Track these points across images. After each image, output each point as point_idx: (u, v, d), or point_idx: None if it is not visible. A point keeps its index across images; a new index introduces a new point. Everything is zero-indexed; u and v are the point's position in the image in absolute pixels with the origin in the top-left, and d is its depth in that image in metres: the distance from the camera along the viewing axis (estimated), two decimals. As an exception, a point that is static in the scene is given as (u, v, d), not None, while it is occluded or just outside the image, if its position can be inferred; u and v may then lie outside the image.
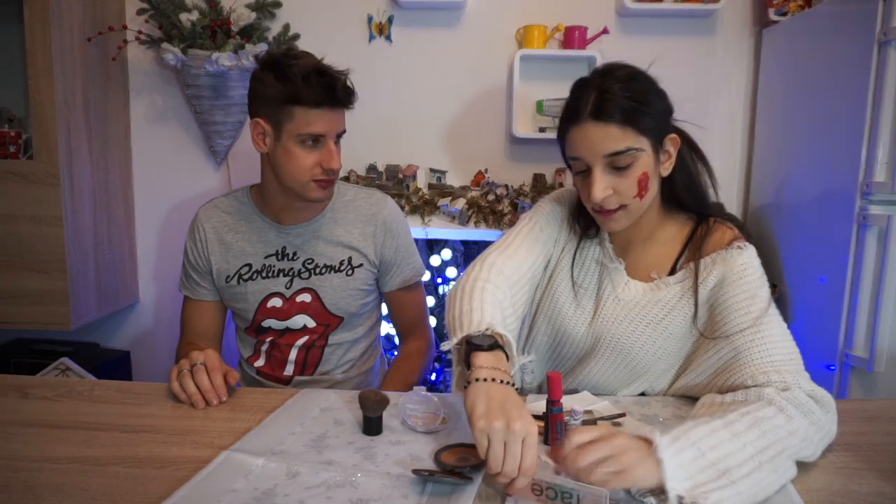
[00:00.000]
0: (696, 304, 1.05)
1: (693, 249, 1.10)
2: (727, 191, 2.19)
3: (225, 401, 1.06)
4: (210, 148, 2.18)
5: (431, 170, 2.16)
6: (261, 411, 1.03)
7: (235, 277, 1.37)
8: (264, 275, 1.37)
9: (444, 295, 2.39)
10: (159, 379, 1.15)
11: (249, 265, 1.37)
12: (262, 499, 0.76)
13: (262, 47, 1.99)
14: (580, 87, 1.03)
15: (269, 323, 1.38)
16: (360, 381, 1.47)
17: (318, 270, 1.37)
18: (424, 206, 2.11)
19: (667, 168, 1.05)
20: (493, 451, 0.75)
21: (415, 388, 0.99)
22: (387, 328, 1.61)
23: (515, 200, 2.08)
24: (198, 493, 0.77)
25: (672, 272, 1.10)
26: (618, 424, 0.97)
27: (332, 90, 1.22)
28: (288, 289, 1.37)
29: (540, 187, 2.11)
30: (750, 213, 2.16)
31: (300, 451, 0.88)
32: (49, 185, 1.84)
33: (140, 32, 2.02)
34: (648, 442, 0.75)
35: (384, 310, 1.54)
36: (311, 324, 1.38)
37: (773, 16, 2.01)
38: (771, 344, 0.96)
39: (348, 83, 1.25)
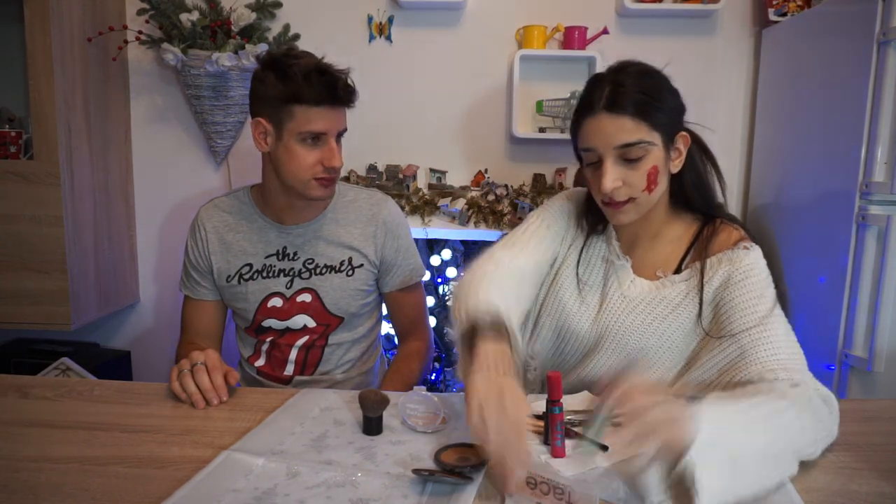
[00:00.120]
0: (700, 303, 1.05)
1: (699, 249, 1.10)
2: (727, 191, 2.19)
3: (225, 401, 1.06)
4: (210, 148, 2.18)
5: (431, 170, 2.16)
6: (261, 411, 1.03)
7: (236, 277, 1.37)
8: (265, 274, 1.37)
9: (444, 295, 2.39)
10: (159, 379, 1.15)
11: (250, 265, 1.37)
12: (262, 498, 0.76)
13: (262, 47, 1.99)
14: (595, 81, 1.04)
15: (270, 323, 1.38)
16: (360, 382, 1.47)
17: (318, 270, 1.37)
18: (424, 207, 2.11)
19: (676, 165, 1.06)
20: (489, 442, 0.76)
21: (415, 388, 0.99)
22: (387, 328, 1.61)
23: (515, 200, 2.08)
24: (198, 493, 0.77)
25: (678, 271, 1.11)
26: (618, 424, 0.97)
27: (333, 88, 1.22)
28: (288, 289, 1.37)
29: (540, 187, 2.11)
30: (750, 213, 2.16)
31: (300, 451, 0.88)
32: (49, 185, 1.84)
33: (140, 32, 2.02)
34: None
35: (384, 310, 1.54)
36: (312, 324, 1.38)
37: (772, 16, 2.01)
38: (777, 343, 0.95)
39: (349, 82, 1.26)
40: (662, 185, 1.05)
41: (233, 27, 2.01)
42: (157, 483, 0.80)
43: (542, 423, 0.93)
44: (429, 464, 0.85)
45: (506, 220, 2.09)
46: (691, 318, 1.06)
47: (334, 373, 1.43)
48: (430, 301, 2.36)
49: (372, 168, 2.15)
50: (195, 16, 1.97)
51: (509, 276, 1.08)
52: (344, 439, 0.93)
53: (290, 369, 1.42)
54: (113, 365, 2.20)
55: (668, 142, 1.03)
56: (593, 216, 1.17)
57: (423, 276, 1.49)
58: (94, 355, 2.19)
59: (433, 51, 2.14)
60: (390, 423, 0.97)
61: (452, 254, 2.35)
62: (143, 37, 2.02)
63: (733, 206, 2.18)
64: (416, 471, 0.79)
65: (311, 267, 1.37)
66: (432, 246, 2.35)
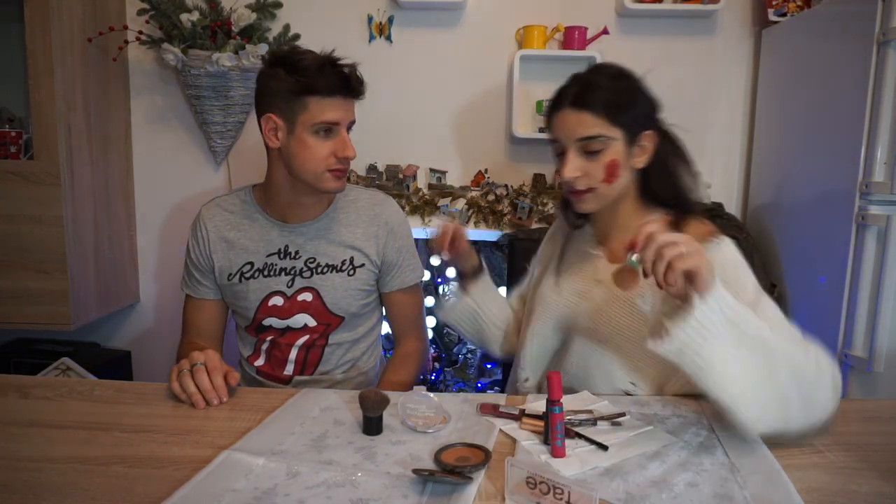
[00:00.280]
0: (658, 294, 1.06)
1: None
2: (727, 191, 2.19)
3: (225, 401, 1.06)
4: (210, 148, 2.18)
5: (431, 170, 2.16)
6: (261, 411, 1.03)
7: (237, 275, 1.37)
8: (266, 273, 1.37)
9: (444, 295, 2.38)
10: (159, 379, 1.15)
11: (251, 263, 1.37)
12: (262, 498, 0.76)
13: (262, 48, 1.99)
14: (570, 79, 1.14)
15: (270, 322, 1.38)
16: (360, 382, 1.47)
17: (319, 270, 1.37)
18: (424, 207, 2.11)
19: (640, 161, 1.13)
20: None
21: (415, 387, 0.99)
22: (387, 328, 1.62)
23: (515, 201, 2.08)
24: (198, 493, 0.77)
25: None
26: (617, 424, 0.97)
27: (347, 79, 1.25)
28: (289, 287, 1.37)
29: (540, 187, 2.11)
30: (750, 213, 2.16)
31: (300, 451, 0.88)
32: (49, 185, 1.84)
33: (140, 33, 2.02)
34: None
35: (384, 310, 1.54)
36: (312, 323, 1.38)
37: (772, 16, 2.01)
38: (775, 325, 0.92)
39: (358, 74, 1.28)
40: (623, 178, 1.12)
41: (233, 27, 2.01)
42: (157, 483, 0.80)
43: (542, 423, 0.93)
44: (429, 464, 0.85)
45: (506, 220, 2.09)
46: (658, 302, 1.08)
47: (334, 373, 1.43)
48: (430, 301, 2.36)
49: (372, 168, 2.15)
50: (195, 16, 1.97)
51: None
52: (344, 439, 0.93)
53: (289, 369, 1.42)
54: (113, 365, 2.20)
55: (631, 138, 1.10)
56: (571, 212, 1.25)
57: (422, 277, 1.49)
58: (94, 355, 2.19)
59: (433, 51, 2.14)
60: (390, 423, 0.97)
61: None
62: (143, 37, 2.02)
63: (733, 207, 2.18)
64: (416, 471, 0.79)
65: (312, 266, 1.37)
66: (432, 246, 2.34)
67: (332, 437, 0.93)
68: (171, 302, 2.28)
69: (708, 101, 2.14)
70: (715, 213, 2.04)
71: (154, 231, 2.28)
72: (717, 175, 2.18)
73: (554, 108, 1.13)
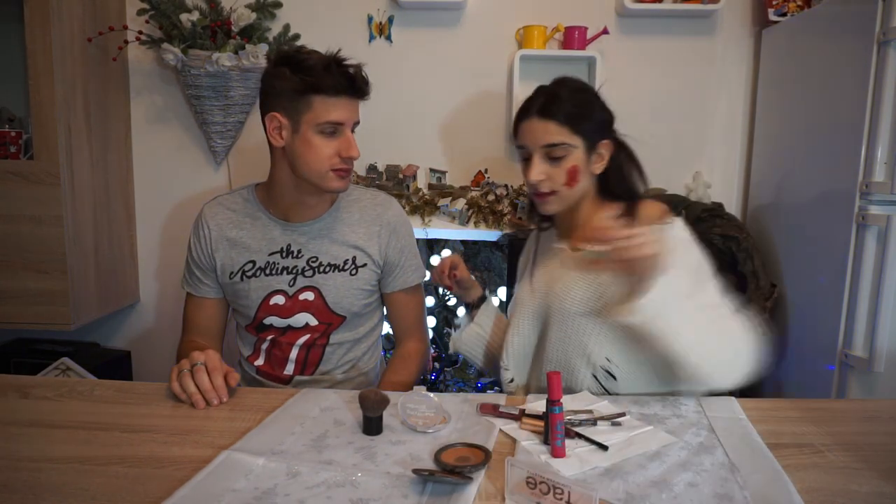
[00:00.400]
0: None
1: (625, 220, 1.22)
2: (727, 191, 2.19)
3: (225, 401, 1.06)
4: (210, 148, 2.18)
5: (431, 170, 2.16)
6: (261, 411, 1.03)
7: (238, 274, 1.37)
8: (267, 272, 1.37)
9: (444, 294, 2.39)
10: (159, 379, 1.15)
11: (253, 262, 1.37)
12: (262, 498, 0.76)
13: (262, 48, 1.99)
14: (536, 91, 1.25)
15: (271, 320, 1.38)
16: (360, 382, 1.47)
17: (321, 269, 1.37)
18: (424, 207, 2.11)
19: (598, 167, 1.23)
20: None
21: (415, 387, 0.99)
22: (387, 328, 1.62)
23: (515, 201, 2.08)
24: (198, 493, 0.77)
25: None
26: (617, 424, 0.97)
27: (352, 79, 1.25)
28: (291, 286, 1.37)
29: (540, 187, 2.11)
30: (750, 213, 2.16)
31: (300, 451, 0.88)
32: (49, 185, 1.84)
33: (140, 33, 2.02)
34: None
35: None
36: (314, 322, 1.38)
37: (772, 16, 2.01)
38: (714, 297, 1.07)
39: (364, 74, 1.28)
40: (583, 182, 1.22)
41: (233, 27, 2.01)
42: (157, 483, 0.80)
43: (542, 423, 0.93)
44: (429, 464, 0.85)
45: (506, 220, 2.09)
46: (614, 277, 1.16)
47: (334, 372, 1.43)
48: (430, 301, 2.36)
49: (372, 168, 2.15)
50: (195, 16, 1.97)
51: None
52: (344, 439, 0.93)
53: (290, 368, 1.42)
54: (113, 365, 2.20)
55: (591, 147, 1.21)
56: (536, 215, 1.37)
57: (423, 277, 1.49)
58: (94, 355, 2.19)
59: (433, 51, 2.14)
60: (390, 423, 0.97)
61: (452, 254, 2.35)
62: (143, 37, 2.02)
63: (733, 206, 2.18)
64: (416, 471, 0.79)
65: (314, 265, 1.37)
66: (432, 246, 2.34)
67: (332, 437, 0.93)
68: (171, 302, 2.28)
69: (708, 101, 2.14)
70: (715, 213, 2.04)
71: (154, 231, 2.28)
72: (717, 175, 2.18)
73: (521, 117, 1.24)
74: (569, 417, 0.96)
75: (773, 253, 1.97)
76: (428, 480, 0.80)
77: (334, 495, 0.77)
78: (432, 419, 0.96)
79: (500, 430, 0.96)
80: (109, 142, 2.10)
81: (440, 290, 2.38)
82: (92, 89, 1.98)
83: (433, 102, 2.16)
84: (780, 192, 1.96)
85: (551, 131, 1.18)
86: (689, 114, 2.14)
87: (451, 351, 1.48)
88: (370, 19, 2.13)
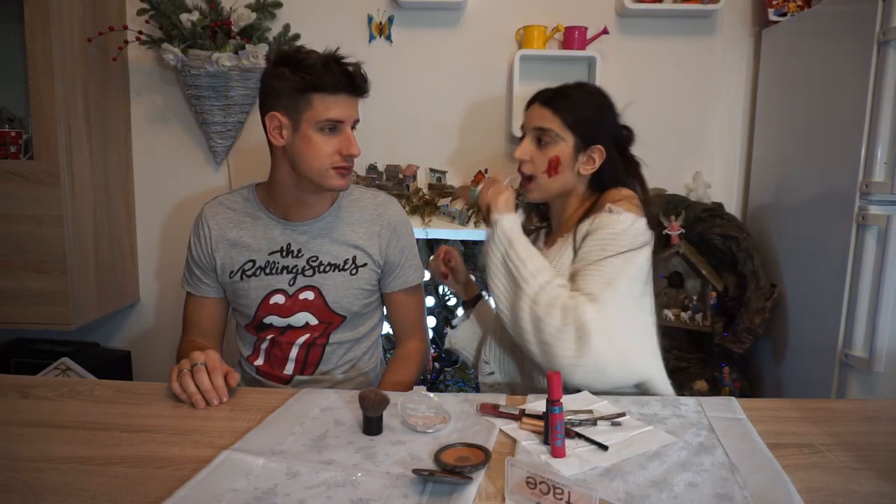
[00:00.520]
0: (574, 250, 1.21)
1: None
2: (727, 191, 2.19)
3: (225, 401, 1.06)
4: (210, 148, 2.18)
5: (431, 170, 2.16)
6: (261, 411, 1.03)
7: (239, 273, 1.37)
8: (267, 271, 1.37)
9: (444, 295, 2.39)
10: (159, 379, 1.15)
11: (253, 261, 1.37)
12: (262, 498, 0.76)
13: (262, 48, 1.99)
14: (557, 87, 1.30)
15: (271, 320, 1.38)
16: (360, 382, 1.47)
17: (322, 268, 1.37)
18: (424, 207, 2.11)
19: (586, 169, 1.26)
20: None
21: (415, 387, 0.99)
22: (387, 328, 1.62)
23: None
24: (198, 493, 0.77)
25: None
26: (617, 424, 0.97)
27: (351, 77, 1.25)
28: (291, 286, 1.37)
29: (540, 187, 2.11)
30: (750, 213, 2.16)
31: (300, 451, 0.88)
32: (49, 185, 1.84)
33: (140, 33, 2.02)
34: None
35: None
36: (314, 321, 1.38)
37: (772, 16, 2.01)
38: (589, 279, 1.11)
39: (363, 71, 1.28)
40: (564, 176, 1.26)
41: (233, 27, 2.01)
42: (157, 483, 0.80)
43: (542, 423, 0.93)
44: (429, 464, 0.85)
45: (506, 220, 2.09)
46: (567, 262, 1.21)
47: (334, 372, 1.43)
48: (430, 301, 2.36)
49: (372, 168, 2.15)
50: (195, 16, 1.97)
51: None
52: (344, 439, 0.93)
53: (290, 368, 1.41)
54: (113, 365, 2.20)
55: (581, 146, 1.24)
56: (533, 213, 1.46)
57: (423, 278, 1.49)
58: (94, 355, 2.19)
59: (433, 51, 2.14)
60: (390, 423, 0.97)
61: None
62: (143, 37, 2.02)
63: (733, 206, 2.18)
64: (416, 471, 0.79)
65: (314, 265, 1.37)
66: (432, 246, 2.34)
67: (332, 437, 0.93)
68: (171, 302, 2.29)
69: (708, 101, 2.14)
70: (715, 213, 2.04)
71: (154, 231, 2.28)
72: (717, 175, 2.18)
73: (530, 103, 1.31)
74: (569, 417, 0.96)
75: (773, 253, 1.97)
76: (428, 480, 0.80)
77: (334, 495, 0.77)
78: (432, 419, 0.96)
79: (500, 430, 0.96)
80: (109, 142, 2.10)
81: (440, 289, 2.38)
82: (92, 89, 1.98)
83: (433, 102, 2.16)
84: (780, 192, 1.96)
85: (546, 117, 1.25)
86: (689, 114, 2.14)
87: (445, 347, 1.49)
88: (370, 19, 2.13)
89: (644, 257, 1.14)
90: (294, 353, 1.41)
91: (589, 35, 2.04)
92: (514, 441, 0.93)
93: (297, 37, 2.09)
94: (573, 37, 2.03)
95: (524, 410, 1.00)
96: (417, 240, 1.60)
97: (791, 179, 1.89)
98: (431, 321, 2.34)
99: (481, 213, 1.24)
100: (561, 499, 0.72)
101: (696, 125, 2.15)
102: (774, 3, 2.01)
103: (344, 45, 1.32)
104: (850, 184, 1.55)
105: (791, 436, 0.94)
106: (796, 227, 1.85)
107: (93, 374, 2.02)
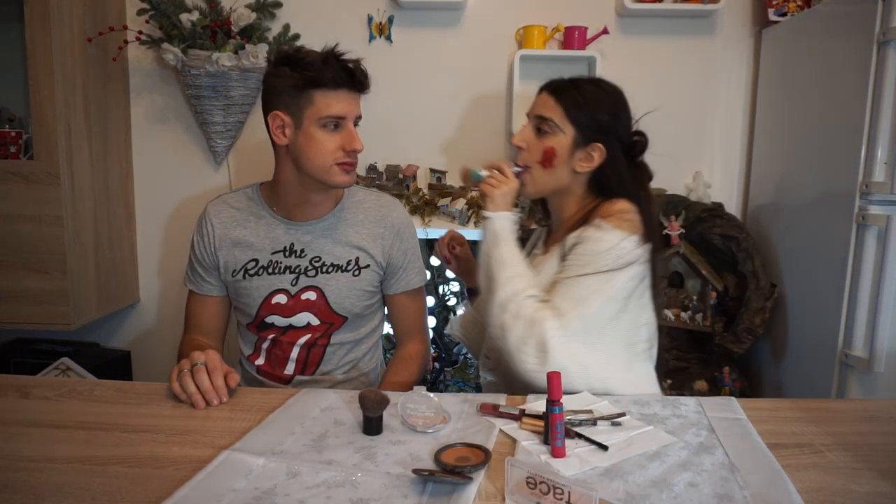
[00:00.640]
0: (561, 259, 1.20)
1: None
2: (727, 191, 2.19)
3: (225, 401, 1.06)
4: (210, 148, 2.18)
5: (431, 170, 2.16)
6: (261, 411, 1.03)
7: (241, 272, 1.37)
8: (270, 271, 1.37)
9: (444, 295, 2.39)
10: (160, 379, 1.15)
11: (256, 260, 1.37)
12: (262, 498, 0.76)
13: (262, 48, 1.99)
14: (571, 77, 1.28)
15: (273, 319, 1.39)
16: (361, 383, 1.47)
17: (324, 269, 1.37)
18: (424, 207, 2.11)
19: (583, 166, 1.22)
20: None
21: (415, 387, 0.99)
22: (387, 329, 1.62)
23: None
24: (198, 493, 0.77)
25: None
26: (617, 424, 0.97)
27: (351, 73, 1.25)
28: (293, 286, 1.37)
29: (540, 187, 2.11)
30: (750, 213, 2.16)
31: (300, 451, 0.88)
32: (49, 185, 1.84)
33: (140, 33, 2.02)
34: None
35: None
36: (315, 322, 1.38)
37: (772, 16, 2.01)
38: (566, 294, 1.11)
39: (363, 67, 1.29)
40: (559, 170, 1.22)
41: (233, 27, 2.01)
42: (157, 483, 0.80)
43: (542, 423, 0.93)
44: (429, 464, 0.85)
45: (506, 220, 2.09)
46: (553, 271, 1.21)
47: (335, 373, 1.43)
48: (430, 301, 2.36)
49: (372, 168, 2.15)
50: (195, 16, 1.97)
51: None
52: (344, 439, 0.93)
53: (290, 368, 1.42)
54: (113, 365, 2.20)
55: (581, 142, 1.20)
56: (543, 209, 1.40)
57: (425, 280, 1.49)
58: (94, 355, 2.19)
59: (433, 51, 2.14)
60: (390, 423, 0.97)
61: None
62: (143, 37, 2.02)
63: (733, 206, 2.18)
64: (416, 471, 0.79)
65: (317, 265, 1.37)
66: (432, 246, 2.34)
67: (332, 437, 0.93)
68: (171, 302, 2.29)
69: (708, 101, 2.14)
70: (715, 213, 2.04)
71: (154, 231, 2.28)
72: (717, 175, 2.18)
73: (540, 91, 1.28)
74: (569, 417, 0.96)
75: (773, 253, 1.97)
76: (428, 480, 0.80)
77: (334, 495, 0.77)
78: (432, 419, 0.96)
79: (500, 430, 0.96)
80: (109, 142, 2.10)
81: (440, 290, 2.38)
82: (92, 89, 1.98)
83: (433, 102, 2.16)
84: (780, 192, 1.96)
85: (549, 106, 1.22)
86: (689, 114, 2.14)
87: (446, 331, 1.48)
88: (370, 19, 2.13)
89: (627, 277, 1.11)
90: (295, 353, 1.41)
91: (589, 35, 2.04)
92: (514, 441, 0.93)
93: (297, 37, 2.09)
94: (573, 37, 2.03)
95: (524, 410, 1.00)
96: (419, 240, 1.60)
97: (791, 179, 1.89)
98: (431, 321, 2.34)
99: (481, 198, 1.23)
100: (561, 499, 0.72)
101: (696, 125, 2.15)
102: (774, 2, 2.01)
103: (344, 44, 1.32)
104: (850, 184, 1.55)
105: (791, 436, 0.94)
106: (796, 227, 1.85)
107: (93, 374, 2.02)
